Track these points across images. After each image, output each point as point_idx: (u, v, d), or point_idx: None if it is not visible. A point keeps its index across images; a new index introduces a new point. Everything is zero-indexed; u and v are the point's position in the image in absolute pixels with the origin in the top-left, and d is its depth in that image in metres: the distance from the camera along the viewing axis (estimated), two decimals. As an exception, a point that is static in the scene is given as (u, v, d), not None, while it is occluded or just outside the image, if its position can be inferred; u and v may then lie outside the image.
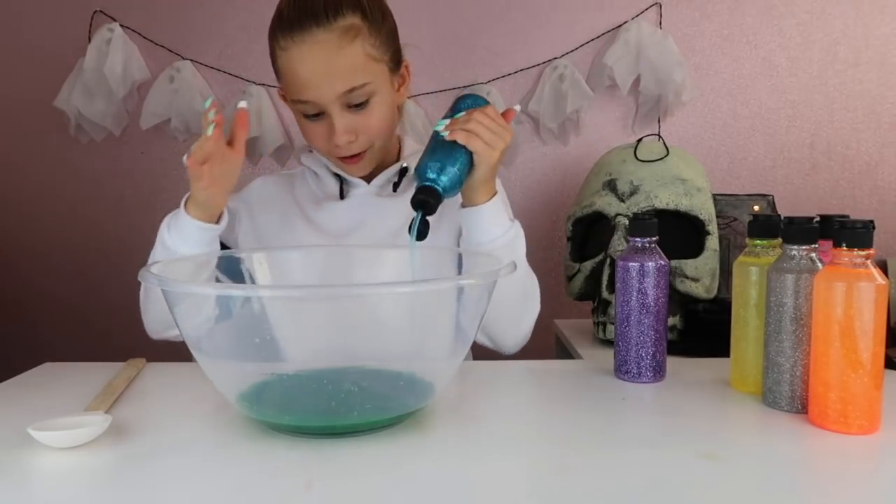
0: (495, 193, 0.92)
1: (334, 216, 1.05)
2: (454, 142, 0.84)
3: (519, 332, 1.01)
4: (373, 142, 0.99)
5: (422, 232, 0.80)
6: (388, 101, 0.98)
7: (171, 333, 0.98)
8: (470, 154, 0.85)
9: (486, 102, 0.89)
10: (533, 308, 1.01)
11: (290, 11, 0.92)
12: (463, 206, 0.92)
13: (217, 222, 0.92)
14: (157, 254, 0.92)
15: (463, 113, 0.87)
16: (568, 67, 1.79)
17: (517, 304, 0.98)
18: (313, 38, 0.90)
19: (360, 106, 0.94)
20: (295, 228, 1.05)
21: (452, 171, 0.83)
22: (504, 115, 0.89)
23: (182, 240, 0.89)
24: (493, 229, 0.91)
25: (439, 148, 0.85)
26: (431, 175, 0.83)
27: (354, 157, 0.99)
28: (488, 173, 0.88)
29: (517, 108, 0.94)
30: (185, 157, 0.86)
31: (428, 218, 0.81)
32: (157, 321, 0.97)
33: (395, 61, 0.99)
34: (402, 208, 0.82)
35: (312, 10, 0.91)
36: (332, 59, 0.91)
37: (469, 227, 0.92)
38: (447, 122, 0.86)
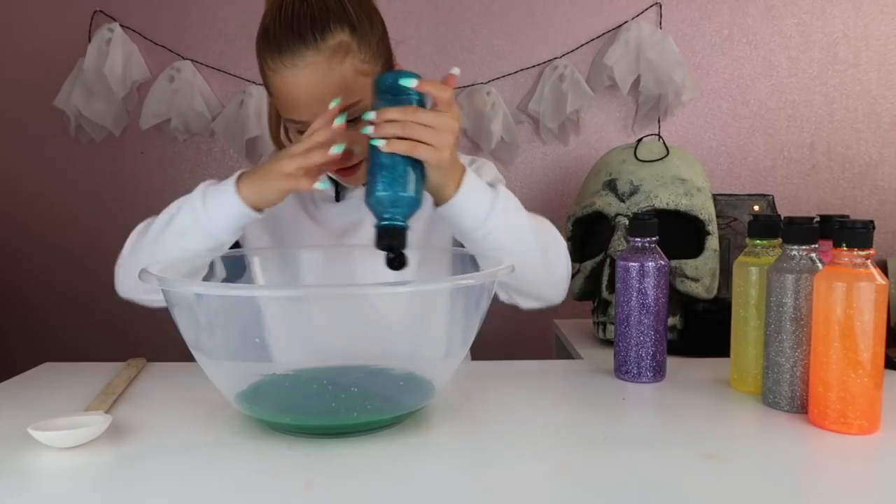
0: (463, 172, 0.82)
1: (332, 217, 1.05)
2: (395, 154, 0.74)
3: (554, 281, 0.94)
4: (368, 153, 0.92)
5: (403, 263, 0.74)
6: None
7: (146, 297, 0.96)
8: (419, 161, 0.76)
9: (413, 75, 0.78)
10: (559, 253, 0.94)
11: (276, 29, 0.88)
12: (436, 205, 0.84)
13: (261, 212, 0.86)
14: (180, 221, 0.86)
15: (387, 106, 0.76)
16: (568, 67, 1.79)
17: (540, 259, 0.91)
18: (304, 60, 0.86)
19: (354, 122, 0.87)
20: (301, 223, 1.05)
21: (406, 195, 0.74)
22: (445, 82, 0.79)
23: (222, 216, 0.84)
24: (478, 212, 0.82)
25: (384, 168, 0.74)
26: (386, 213, 0.74)
27: (350, 168, 0.95)
28: (446, 172, 0.79)
29: (455, 71, 0.81)
30: (335, 148, 0.80)
31: (412, 225, 0.75)
32: (135, 279, 0.76)
33: (388, 68, 0.94)
34: None
35: (299, 30, 0.86)
36: (323, 81, 0.87)
37: (452, 222, 0.85)
38: (371, 129, 0.75)
